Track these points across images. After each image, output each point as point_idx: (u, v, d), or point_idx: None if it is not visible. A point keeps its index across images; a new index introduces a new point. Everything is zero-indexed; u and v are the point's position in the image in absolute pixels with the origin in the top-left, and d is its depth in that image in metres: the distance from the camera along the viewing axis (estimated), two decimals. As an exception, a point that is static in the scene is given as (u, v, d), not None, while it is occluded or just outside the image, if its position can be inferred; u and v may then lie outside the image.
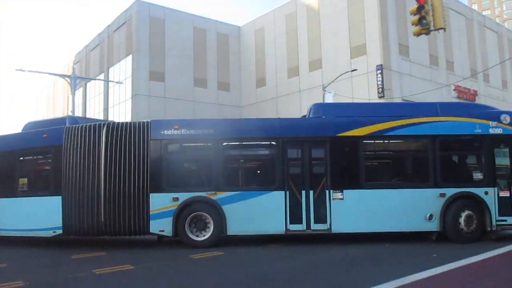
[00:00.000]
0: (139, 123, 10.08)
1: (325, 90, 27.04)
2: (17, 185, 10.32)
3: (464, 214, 9.54)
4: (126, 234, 9.66)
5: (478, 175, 9.84)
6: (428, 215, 9.53)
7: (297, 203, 9.54)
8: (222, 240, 9.62)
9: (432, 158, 9.79)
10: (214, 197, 9.48)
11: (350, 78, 31.91)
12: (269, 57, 41.79)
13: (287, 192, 9.55)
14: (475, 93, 40.14)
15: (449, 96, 37.05)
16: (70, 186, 9.68)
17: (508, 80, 46.70)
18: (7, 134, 11.72)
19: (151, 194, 9.44)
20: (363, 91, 31.88)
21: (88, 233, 9.81)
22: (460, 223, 9.50)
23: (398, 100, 31.40)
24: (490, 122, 9.99)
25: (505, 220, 9.59)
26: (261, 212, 9.46)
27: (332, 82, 28.16)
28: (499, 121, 10.03)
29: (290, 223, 9.47)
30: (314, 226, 9.53)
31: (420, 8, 11.72)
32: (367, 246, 9.60)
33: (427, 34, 12.01)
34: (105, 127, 9.90)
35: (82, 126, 10.01)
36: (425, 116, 10.00)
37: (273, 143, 9.91)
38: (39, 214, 9.84)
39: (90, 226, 9.56)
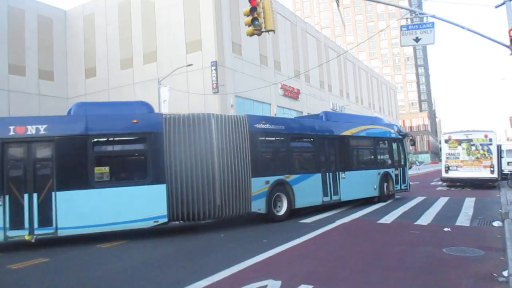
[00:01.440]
0: (237, 116, 11.54)
1: (160, 84, 27.82)
2: (92, 174, 9.64)
3: (385, 184, 16.21)
4: (235, 214, 10.99)
5: (389, 161, 16.80)
6: (375, 186, 15.63)
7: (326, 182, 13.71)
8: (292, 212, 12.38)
9: (374, 151, 16.22)
10: (288, 179, 12.28)
11: (186, 73, 33.28)
12: (100, 46, 40.34)
13: (322, 174, 13.59)
14: (298, 91, 45.92)
15: (276, 94, 41.67)
16: (177, 174, 10.13)
17: (324, 80, 54.51)
18: (74, 114, 10.27)
19: (252, 179, 11.23)
20: (198, 86, 33.64)
21: (199, 218, 10.47)
22: (385, 189, 16.20)
23: (231, 95, 34.14)
24: (391, 130, 17.24)
25: (399, 187, 16.97)
26: (312, 189, 13.08)
27: (167, 76, 29.07)
28: (393, 129, 17.36)
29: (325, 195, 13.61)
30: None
31: (253, 10, 12.57)
32: (202, 237, 11.01)
33: (259, 35, 12.91)
34: (213, 117, 10.82)
35: (181, 115, 10.67)
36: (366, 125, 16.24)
37: (313, 139, 13.76)
38: (134, 204, 9.75)
39: (204, 211, 10.39)
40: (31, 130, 9.42)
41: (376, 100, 78.51)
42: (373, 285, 5.78)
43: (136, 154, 10.76)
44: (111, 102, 12.99)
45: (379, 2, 16.89)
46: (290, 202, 12.28)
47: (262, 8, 12.73)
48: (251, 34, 12.96)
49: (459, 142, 21.54)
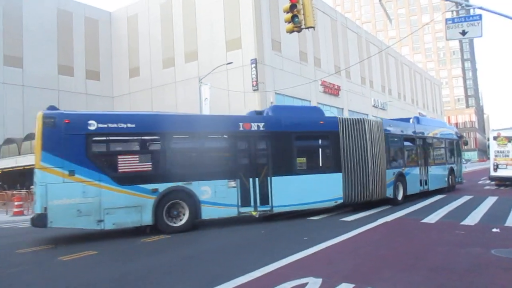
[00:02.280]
0: (376, 120, 14.75)
1: (201, 82, 28.22)
2: (295, 163, 12.33)
3: (450, 177, 19.63)
4: (376, 198, 13.81)
5: (452, 158, 20.32)
6: (445, 178, 19.28)
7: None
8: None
9: (445, 149, 19.82)
10: (403, 171, 15.52)
11: (226, 71, 33.62)
12: (142, 46, 41.43)
13: (419, 168, 17.06)
14: (338, 88, 45.32)
15: (316, 90, 41.30)
16: (348, 165, 13.12)
17: (366, 77, 53.50)
18: (273, 115, 12.76)
19: (386, 170, 14.30)
20: (238, 83, 33.89)
21: (359, 201, 13.38)
22: (450, 181, 19.72)
23: (271, 93, 34.15)
24: (452, 131, 21.05)
25: (456, 180, 20.23)
26: (417, 179, 16.61)
27: (208, 74, 29.45)
28: (453, 131, 21.10)
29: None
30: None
31: (293, 7, 12.48)
32: (245, 233, 11.12)
33: (298, 31, 12.81)
34: (366, 122, 13.98)
35: (348, 118, 13.68)
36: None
37: (413, 139, 17.02)
38: (323, 188, 12.55)
39: (362, 195, 13.37)
40: (253, 126, 11.91)
41: (420, 96, 76.22)
42: (416, 286, 5.64)
43: (322, 148, 13.52)
44: (294, 106, 15.92)
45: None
46: (405, 190, 15.40)
47: (302, 4, 12.64)
48: (291, 31, 12.91)
49: (509, 139, 20.59)
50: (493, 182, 22.24)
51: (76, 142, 9.49)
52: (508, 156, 20.50)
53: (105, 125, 9.86)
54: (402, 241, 8.64)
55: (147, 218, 10.11)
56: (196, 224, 11.11)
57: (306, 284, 5.71)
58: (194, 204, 10.68)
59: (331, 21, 46.30)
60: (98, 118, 9.92)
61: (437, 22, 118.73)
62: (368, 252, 7.74)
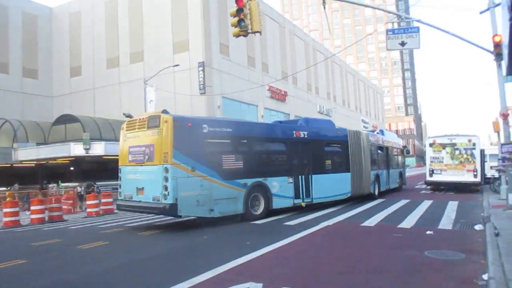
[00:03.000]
0: (366, 132, 19.40)
1: (146, 84, 27.60)
2: (325, 164, 15.76)
3: (399, 179, 24.48)
4: (365, 193, 18.04)
5: (401, 163, 25.70)
6: (398, 180, 24.00)
7: None
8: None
9: (398, 157, 24.79)
10: (378, 172, 19.91)
11: (172, 73, 33.12)
12: (85, 45, 39.92)
13: (389, 170, 22.39)
14: (285, 94, 46.00)
15: (263, 95, 41.67)
16: (353, 167, 16.98)
17: (312, 83, 54.74)
18: (320, 125, 16.85)
19: (370, 172, 18.47)
20: (185, 86, 33.48)
21: (357, 195, 17.34)
22: (399, 182, 24.52)
23: (218, 97, 34.01)
24: (399, 142, 25.84)
25: (403, 182, 25.35)
26: (387, 178, 21.67)
27: (154, 76, 28.85)
28: (401, 142, 26.04)
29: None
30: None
31: (239, 11, 12.59)
32: (186, 239, 10.91)
33: (245, 36, 12.95)
34: (362, 133, 18.54)
35: (353, 130, 17.92)
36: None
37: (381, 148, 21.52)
38: (338, 184, 16.08)
39: (360, 190, 17.45)
40: (302, 134, 15.07)
41: (363, 103, 79.05)
42: (354, 288, 5.76)
43: (339, 153, 16.79)
44: (318, 119, 18.98)
45: (366, 6, 17.03)
46: (379, 187, 19.80)
47: (249, 9, 12.69)
48: (237, 35, 12.96)
49: (443, 146, 21.76)
50: (428, 187, 23.38)
51: (196, 142, 11.40)
52: (442, 162, 21.67)
53: (213, 129, 11.88)
54: (342, 244, 8.83)
55: (240, 208, 12.32)
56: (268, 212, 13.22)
57: (246, 289, 5.66)
58: (268, 197, 13.24)
59: (279, 28, 46.96)
60: (209, 122, 12.06)
61: (380, 33, 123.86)
62: (309, 256, 7.83)
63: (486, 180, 22.16)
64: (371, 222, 11.71)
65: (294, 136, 14.75)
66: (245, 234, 10.50)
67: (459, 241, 8.67)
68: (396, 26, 27.29)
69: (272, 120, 40.65)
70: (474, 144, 21.27)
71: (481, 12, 15.10)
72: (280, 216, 13.54)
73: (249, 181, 12.59)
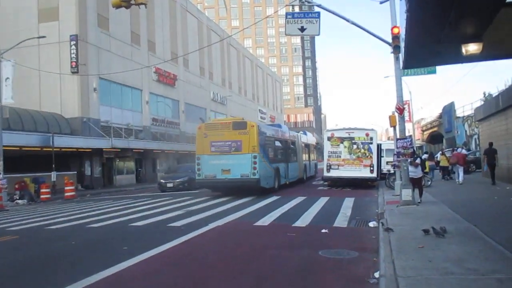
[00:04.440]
0: (299, 134, 30.90)
1: (1, 57, 25.16)
2: (289, 156, 26.29)
3: (308, 170, 33.15)
4: (304, 177, 30.13)
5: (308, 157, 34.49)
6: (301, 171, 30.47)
7: None
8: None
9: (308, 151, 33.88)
10: (306, 163, 31.90)
11: (37, 46, 30.74)
12: None
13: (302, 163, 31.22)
14: (175, 78, 45.41)
15: (149, 78, 40.67)
16: (300, 158, 28.83)
17: (206, 67, 54.77)
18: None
19: (302, 162, 29.91)
20: (53, 63, 31.28)
21: (303, 178, 29.65)
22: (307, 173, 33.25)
23: (94, 77, 32.37)
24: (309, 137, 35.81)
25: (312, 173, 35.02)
26: (295, 170, 27.95)
27: (12, 48, 26.38)
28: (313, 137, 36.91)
29: None
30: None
31: None
32: (52, 244, 10.22)
33: (127, 7, 12.65)
34: (299, 135, 30.40)
35: (296, 133, 30.12)
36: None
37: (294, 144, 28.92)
38: (293, 171, 26.93)
39: (303, 175, 30.00)
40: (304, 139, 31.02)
41: (261, 92, 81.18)
42: (243, 294, 5.85)
43: (294, 148, 27.58)
44: (278, 124, 31.21)
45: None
46: (306, 174, 30.59)
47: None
48: (118, 6, 12.59)
49: (341, 140, 23.17)
50: (326, 183, 24.79)
51: (263, 139, 20.98)
52: (340, 157, 23.10)
53: (264, 131, 21.90)
54: (233, 246, 8.95)
55: (272, 182, 21.63)
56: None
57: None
58: (279, 175, 22.96)
59: (169, 2, 46.09)
60: (263, 126, 23.19)
61: (280, 16, 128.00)
62: (196, 260, 7.81)
63: (382, 176, 23.95)
64: (265, 221, 12.06)
65: (288, 136, 26.74)
66: (122, 238, 10.15)
67: (353, 239, 9.31)
68: (297, 9, 28.36)
69: (158, 106, 39.57)
70: (371, 139, 22.98)
71: (381, 2, 16.24)
72: (166, 216, 13.35)
73: (276, 165, 22.70)
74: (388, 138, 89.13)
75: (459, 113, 46.70)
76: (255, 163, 19.46)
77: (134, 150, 36.61)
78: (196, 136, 21.23)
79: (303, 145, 29.83)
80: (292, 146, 27.06)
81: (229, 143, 19.89)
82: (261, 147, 20.25)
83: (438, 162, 26.82)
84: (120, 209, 16.95)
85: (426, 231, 8.57)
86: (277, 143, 23.75)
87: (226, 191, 21.23)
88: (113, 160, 36.62)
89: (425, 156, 26.63)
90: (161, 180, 27.01)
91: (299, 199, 17.72)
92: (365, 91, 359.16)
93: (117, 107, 36.60)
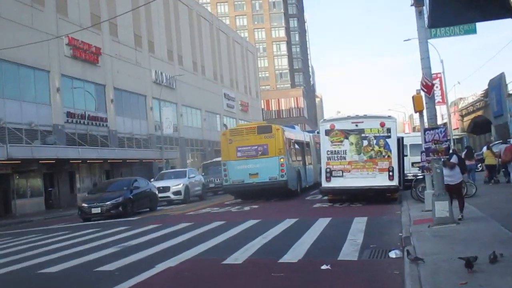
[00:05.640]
0: (314, 134, 40.06)
1: None
2: (305, 159, 37.37)
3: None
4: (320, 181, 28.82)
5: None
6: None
7: None
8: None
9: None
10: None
11: None
12: None
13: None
14: (98, 52, 44.99)
15: (60, 53, 40.22)
16: (313, 161, 38.56)
17: (142, 35, 54.47)
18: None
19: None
20: None
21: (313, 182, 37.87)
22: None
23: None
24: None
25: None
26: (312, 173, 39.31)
27: None
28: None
29: None
30: None
31: None
32: None
33: None
34: (314, 135, 40.44)
35: (311, 134, 41.72)
36: None
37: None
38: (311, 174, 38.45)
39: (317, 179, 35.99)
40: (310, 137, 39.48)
41: (226, 69, 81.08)
42: None
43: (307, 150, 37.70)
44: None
45: None
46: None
47: None
48: None
49: (346, 134, 23.00)
50: (325, 197, 24.73)
51: (287, 142, 30.75)
52: (344, 158, 22.95)
53: (287, 133, 31.20)
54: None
55: (296, 184, 31.52)
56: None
57: None
58: (300, 178, 32.57)
59: None
60: (288, 129, 33.18)
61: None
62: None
63: (406, 184, 23.82)
64: (239, 256, 12.03)
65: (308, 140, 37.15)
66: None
67: (367, 278, 9.36)
68: None
69: (74, 95, 39.37)
70: (388, 130, 22.83)
71: None
72: (92, 256, 13.25)
73: (299, 167, 32.70)
74: (414, 129, 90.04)
75: (513, 88, 46.92)
76: (282, 165, 28.55)
77: (41, 162, 36.15)
78: (220, 143, 31.74)
79: (317, 146, 34.38)
80: (307, 148, 37.05)
81: (255, 147, 29.23)
82: (286, 150, 29.63)
83: (482, 160, 27.07)
84: (24, 249, 16.76)
85: (469, 260, 8.62)
86: (297, 146, 33.73)
87: (253, 195, 30.65)
88: (10, 178, 36.09)
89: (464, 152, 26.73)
90: (83, 204, 26.75)
91: (287, 222, 17.75)
92: (377, 63, 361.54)
93: (12, 98, 36.37)
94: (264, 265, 11.00)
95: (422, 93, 16.07)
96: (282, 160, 28.47)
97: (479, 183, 25.27)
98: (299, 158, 33.81)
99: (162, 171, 43.10)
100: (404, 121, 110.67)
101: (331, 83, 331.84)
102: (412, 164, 26.37)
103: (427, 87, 15.02)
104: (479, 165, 32.07)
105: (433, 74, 18.75)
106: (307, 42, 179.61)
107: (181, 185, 34.93)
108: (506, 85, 47.18)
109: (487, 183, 25.43)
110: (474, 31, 26.14)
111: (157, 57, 57.46)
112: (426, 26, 14.97)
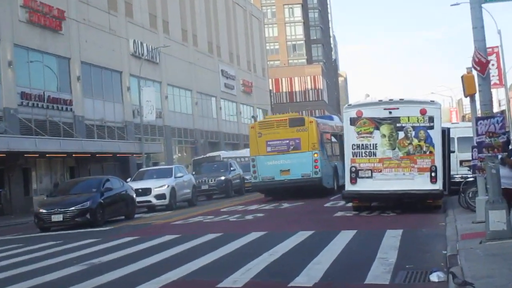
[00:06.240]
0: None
1: None
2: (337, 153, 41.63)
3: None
4: None
5: None
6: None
7: None
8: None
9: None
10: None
11: None
12: None
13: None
14: (61, 15, 44.99)
15: (13, 19, 40.28)
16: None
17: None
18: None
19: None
20: None
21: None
22: None
23: None
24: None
25: None
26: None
27: None
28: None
29: None
30: None
31: None
32: None
33: None
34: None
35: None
36: None
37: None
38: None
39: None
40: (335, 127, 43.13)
41: (224, 39, 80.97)
42: None
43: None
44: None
45: None
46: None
47: None
48: None
49: (377, 123, 22.78)
50: (349, 204, 24.67)
51: (321, 135, 36.44)
52: (375, 154, 22.74)
53: (321, 126, 37.46)
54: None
55: (332, 182, 37.11)
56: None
57: None
58: (337, 174, 37.23)
59: None
60: (320, 121, 38.73)
61: None
62: None
63: (453, 187, 23.71)
64: (239, 278, 12.01)
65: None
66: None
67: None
68: None
69: (31, 70, 39.71)
70: (431, 119, 22.54)
71: None
72: (51, 276, 13.29)
73: (334, 164, 37.02)
74: (463, 118, 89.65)
75: None
76: (316, 161, 33.21)
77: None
78: (249, 137, 35.84)
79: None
80: None
81: (287, 141, 33.95)
82: (320, 144, 33.85)
83: None
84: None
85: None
86: (333, 139, 38.18)
87: (284, 193, 34.54)
88: None
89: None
90: (41, 210, 26.80)
91: (301, 235, 17.75)
92: (415, 36, 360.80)
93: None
94: (271, 290, 11.01)
95: (474, 72, 16.05)
96: (315, 155, 32.89)
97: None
98: (337, 152, 37.28)
99: (142, 169, 43.23)
100: (451, 108, 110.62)
101: (358, 60, 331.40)
102: (461, 162, 26.23)
103: (481, 65, 14.96)
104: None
105: (489, 48, 18.67)
106: (329, 6, 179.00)
107: (166, 186, 34.80)
108: None
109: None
110: (541, -8, 26.11)
111: (137, 23, 57.44)
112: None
